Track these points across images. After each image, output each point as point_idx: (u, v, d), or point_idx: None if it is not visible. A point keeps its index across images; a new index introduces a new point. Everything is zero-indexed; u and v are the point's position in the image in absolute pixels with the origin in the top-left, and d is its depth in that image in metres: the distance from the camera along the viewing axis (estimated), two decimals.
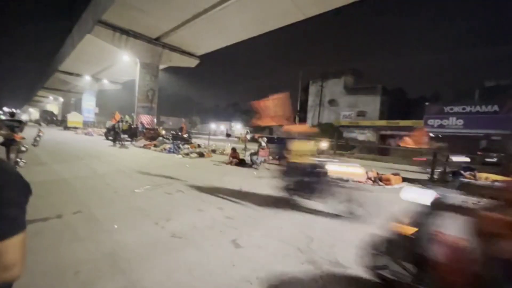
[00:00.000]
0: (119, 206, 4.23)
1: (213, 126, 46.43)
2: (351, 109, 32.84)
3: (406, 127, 25.10)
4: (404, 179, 7.84)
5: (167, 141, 16.38)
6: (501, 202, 1.55)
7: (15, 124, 8.28)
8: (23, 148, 7.19)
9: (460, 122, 19.37)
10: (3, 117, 8.40)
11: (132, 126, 19.34)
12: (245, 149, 13.58)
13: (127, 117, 21.60)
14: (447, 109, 20.14)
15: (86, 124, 35.41)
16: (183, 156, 11.03)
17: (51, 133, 21.69)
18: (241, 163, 9.70)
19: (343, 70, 34.91)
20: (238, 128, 45.86)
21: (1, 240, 0.63)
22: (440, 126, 20.31)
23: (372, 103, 31.43)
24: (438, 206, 1.91)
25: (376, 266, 2.17)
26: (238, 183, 6.56)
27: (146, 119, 22.18)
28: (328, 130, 28.17)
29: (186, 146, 13.34)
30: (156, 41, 22.72)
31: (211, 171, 8.29)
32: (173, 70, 29.33)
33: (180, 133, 19.08)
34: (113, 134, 15.27)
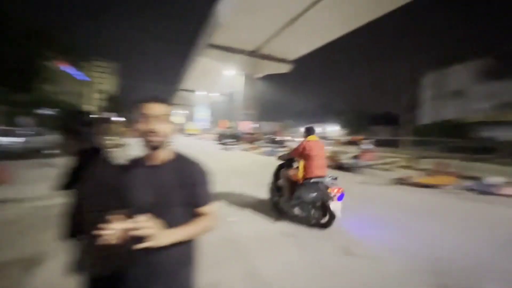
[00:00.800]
0: (234, 200, 4.85)
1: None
2: (488, 100, 25.16)
3: None
4: None
5: (264, 144, 17.60)
6: None
7: None
8: None
9: None
10: None
11: (235, 132, 21.90)
12: (342, 152, 12.78)
13: (231, 124, 24.68)
14: None
15: (201, 131, 42.91)
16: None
17: (175, 139, 27.45)
18: (340, 167, 9.19)
19: (475, 52, 27.24)
20: (332, 130, 43.69)
21: (212, 202, 0.97)
22: None
23: None
24: (280, 158, 4.14)
25: (272, 196, 4.28)
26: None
27: (247, 125, 24.60)
28: (449, 129, 22.63)
29: (282, 149, 13.89)
30: (254, 53, 24.97)
31: None
32: (268, 77, 31.29)
33: (275, 137, 20.09)
34: (221, 139, 17.83)
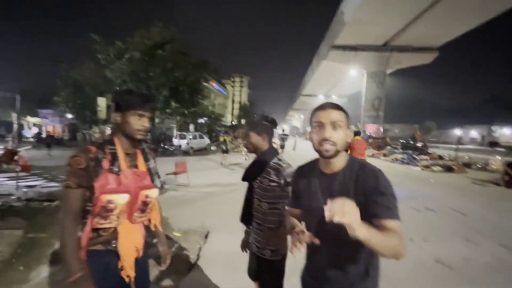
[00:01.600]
0: None
1: (457, 132, 35.49)
2: None
3: None
4: None
5: (396, 150, 15.08)
6: None
7: (284, 137, 12.32)
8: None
9: None
10: (279, 132, 13.16)
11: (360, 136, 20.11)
12: None
13: (352, 127, 22.86)
14: None
15: None
16: (423, 169, 9.42)
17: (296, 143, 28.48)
18: None
19: None
20: (507, 133, 31.40)
21: (397, 218, 0.78)
22: None
23: None
24: None
25: None
26: None
27: (372, 128, 22.05)
28: None
29: (424, 157, 11.33)
30: (383, 47, 22.05)
31: (471, 192, 6.29)
32: (400, 73, 26.65)
33: (412, 142, 16.78)
34: None
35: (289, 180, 1.30)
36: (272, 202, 1.32)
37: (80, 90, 22.35)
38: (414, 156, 11.65)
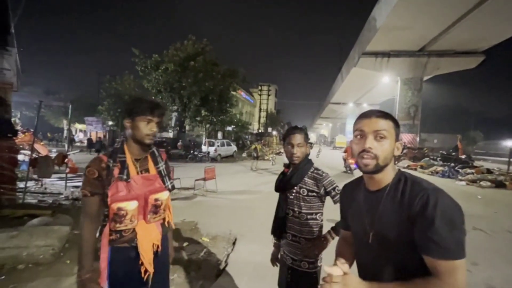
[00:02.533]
0: None
1: (509, 143, 31.56)
2: None
3: None
4: None
5: (435, 162, 13.91)
6: None
7: (309, 145, 12.36)
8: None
9: None
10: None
11: None
12: None
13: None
14: None
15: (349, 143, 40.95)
16: (468, 183, 8.53)
17: (320, 151, 27.70)
18: None
19: None
20: None
21: (458, 258, 0.65)
22: None
23: None
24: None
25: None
26: None
27: (407, 138, 20.69)
28: None
29: (469, 170, 10.27)
30: (419, 52, 20.82)
31: None
32: (441, 79, 24.85)
33: (453, 153, 15.37)
34: None
35: (328, 189, 1.27)
36: (310, 212, 1.29)
37: (120, 99, 24.50)
38: (457, 169, 10.62)
